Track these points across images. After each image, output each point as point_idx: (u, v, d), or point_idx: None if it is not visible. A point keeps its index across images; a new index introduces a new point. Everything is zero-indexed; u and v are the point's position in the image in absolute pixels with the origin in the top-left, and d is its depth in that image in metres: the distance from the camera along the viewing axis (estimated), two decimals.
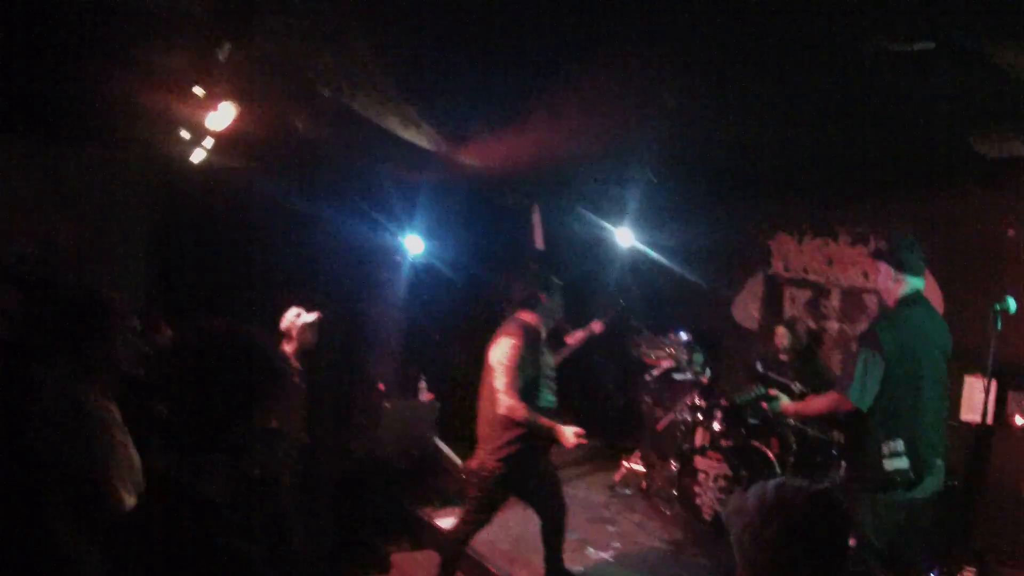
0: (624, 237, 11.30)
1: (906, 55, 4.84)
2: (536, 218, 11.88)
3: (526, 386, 6.75)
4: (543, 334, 7.16)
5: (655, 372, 10.84)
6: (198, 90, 6.39)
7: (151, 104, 7.37)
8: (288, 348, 7.12)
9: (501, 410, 6.64)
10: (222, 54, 5.68)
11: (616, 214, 11.11)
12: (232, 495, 2.93)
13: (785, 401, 6.71)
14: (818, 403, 6.50)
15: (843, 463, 8.21)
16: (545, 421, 6.65)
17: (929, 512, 6.08)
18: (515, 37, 5.46)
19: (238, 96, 6.62)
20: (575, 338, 9.49)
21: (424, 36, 5.58)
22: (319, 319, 7.32)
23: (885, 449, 5.78)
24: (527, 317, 7.08)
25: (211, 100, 6.56)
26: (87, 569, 3.79)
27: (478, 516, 7.07)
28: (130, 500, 3.81)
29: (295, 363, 7.07)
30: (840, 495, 2.61)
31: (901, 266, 6.01)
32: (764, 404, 6.86)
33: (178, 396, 2.93)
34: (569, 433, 6.62)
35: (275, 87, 6.86)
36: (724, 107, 6.78)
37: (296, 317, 7.22)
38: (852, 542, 5.88)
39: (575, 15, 4.97)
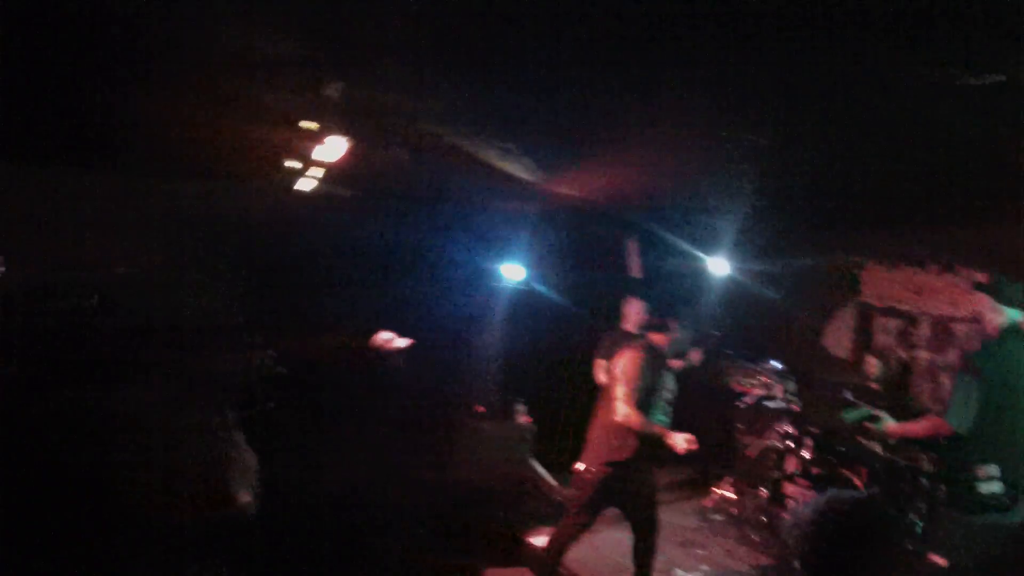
0: (718, 266, 11.47)
1: (990, 87, 4.97)
2: (632, 247, 12.08)
3: (643, 401, 7.26)
4: (666, 357, 7.73)
5: (747, 400, 10.97)
6: (307, 124, 6.75)
7: (258, 138, 7.77)
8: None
9: (617, 418, 7.15)
10: (331, 91, 6.02)
11: (710, 244, 11.28)
12: None
13: (890, 422, 6.88)
14: (920, 426, 6.83)
15: (935, 489, 8.27)
16: (657, 428, 7.11)
17: None
18: (614, 74, 5.69)
19: (345, 130, 6.94)
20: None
21: (526, 75, 5.84)
22: (410, 346, 7.56)
23: (980, 473, 5.90)
24: (656, 339, 7.72)
25: (320, 134, 6.91)
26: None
27: (577, 519, 7.47)
28: (244, 499, 4.14)
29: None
30: (886, 504, 2.85)
31: (1000, 298, 6.16)
32: (869, 424, 6.99)
33: None
34: (680, 439, 7.10)
35: (380, 123, 7.17)
36: (816, 140, 6.92)
37: (386, 343, 7.49)
38: (943, 562, 6.01)
39: (674, 53, 5.18)
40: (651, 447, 7.30)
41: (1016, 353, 6.09)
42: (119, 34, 5.30)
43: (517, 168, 8.42)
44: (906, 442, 9.11)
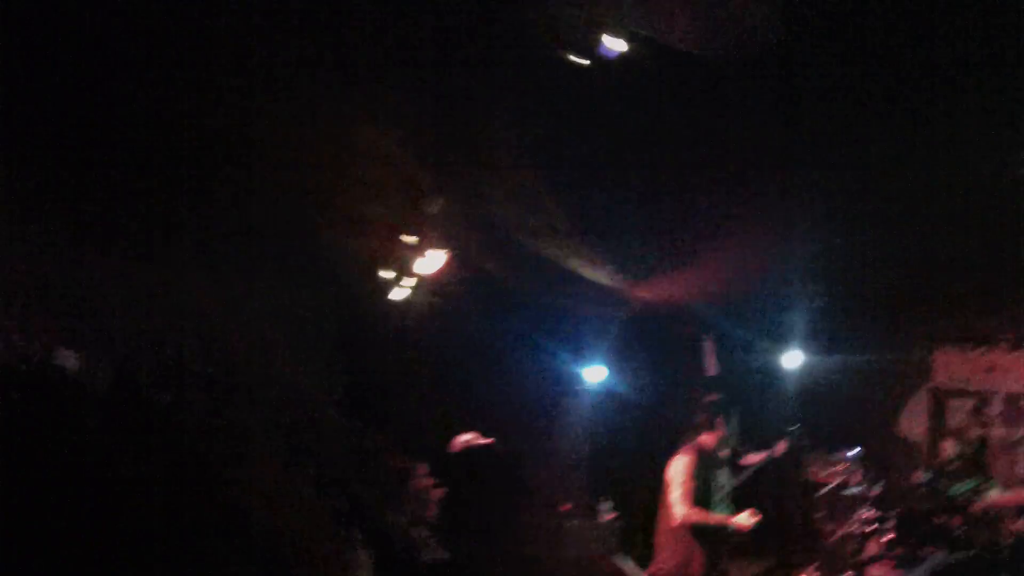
0: (792, 359, 11.76)
1: None
2: (708, 345, 12.41)
3: (700, 502, 7.51)
4: (718, 455, 7.90)
5: (827, 488, 11.18)
6: (408, 238, 7.29)
7: (359, 249, 8.31)
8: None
9: (675, 521, 7.39)
10: (432, 207, 6.55)
11: (784, 337, 11.60)
12: None
13: (996, 492, 7.02)
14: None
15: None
16: (717, 517, 7.34)
17: None
18: (696, 187, 6.18)
19: (442, 243, 7.45)
20: (754, 460, 9.99)
21: (612, 190, 6.34)
22: (490, 444, 7.81)
23: None
24: (704, 439, 7.88)
25: (418, 247, 7.42)
26: None
27: None
28: None
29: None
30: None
31: None
32: (975, 495, 7.05)
33: None
34: (743, 517, 7.37)
35: (474, 236, 7.67)
36: (885, 233, 7.29)
37: (466, 443, 7.73)
38: None
39: (750, 168, 5.65)
40: (717, 538, 7.59)
41: None
42: (228, 145, 5.82)
43: (601, 274, 8.83)
44: (989, 517, 9.34)
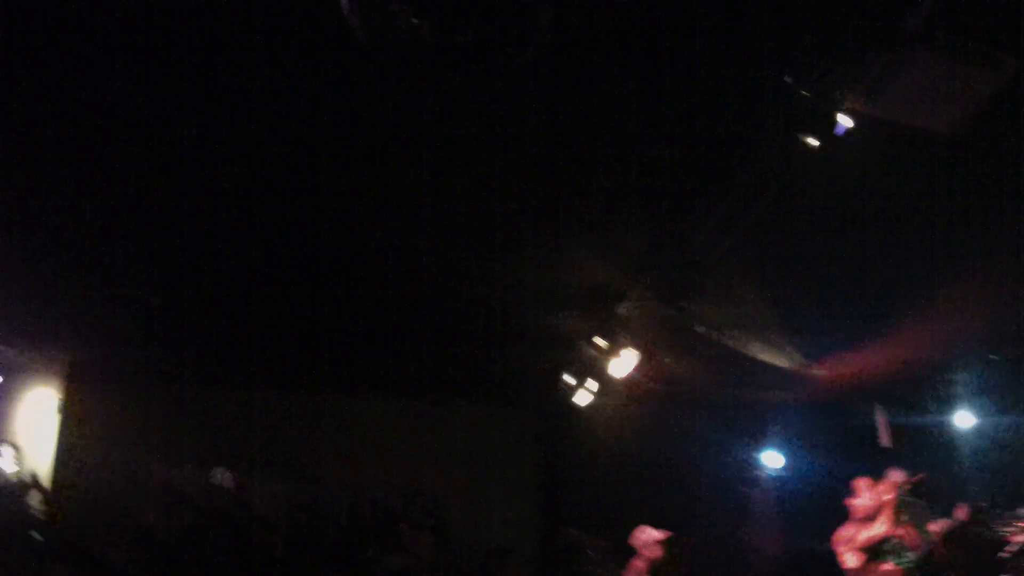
0: (964, 419, 11.54)
1: None
2: (880, 417, 12.24)
3: None
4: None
5: (1011, 548, 10.87)
6: (600, 341, 7.40)
7: (546, 358, 8.45)
8: (637, 563, 7.69)
9: None
10: (620, 309, 6.67)
11: (957, 399, 11.40)
12: None
13: None
14: None
15: None
16: None
17: None
18: (887, 271, 6.21)
19: (631, 344, 7.54)
20: (940, 527, 9.82)
21: (806, 284, 6.40)
22: (669, 537, 7.82)
23: None
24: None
25: (609, 349, 7.53)
26: None
27: None
28: None
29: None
30: None
31: None
32: None
33: None
34: None
35: (662, 336, 7.76)
36: None
37: (642, 533, 7.80)
38: None
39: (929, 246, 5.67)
40: None
41: None
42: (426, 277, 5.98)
43: (779, 358, 8.84)
44: None
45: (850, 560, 7.51)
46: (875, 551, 7.36)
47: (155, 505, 8.60)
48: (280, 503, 9.43)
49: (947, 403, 11.57)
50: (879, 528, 7.20)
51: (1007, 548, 10.77)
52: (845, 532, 7.38)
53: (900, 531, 7.31)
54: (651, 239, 5.49)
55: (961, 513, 9.77)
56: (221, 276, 7.02)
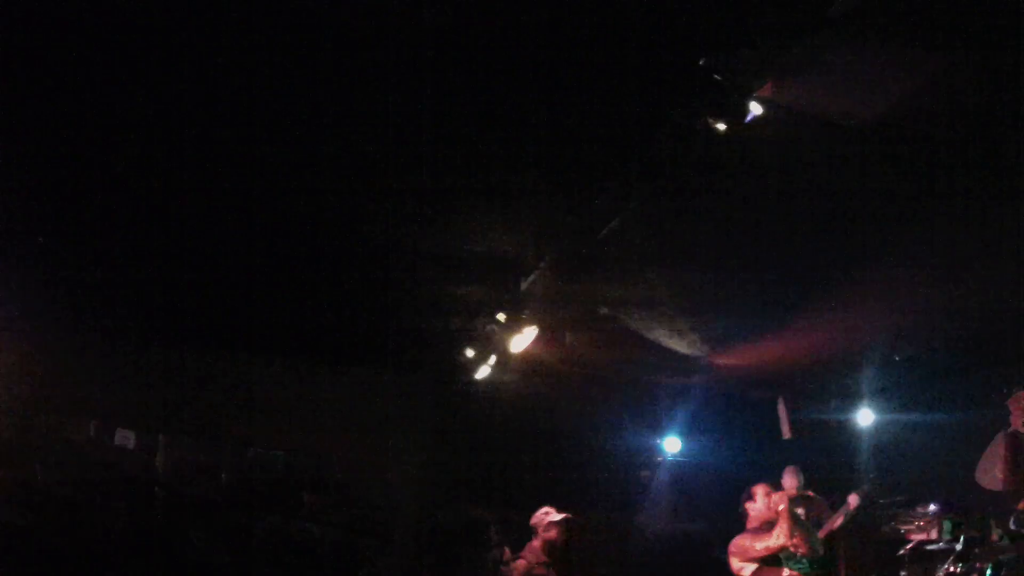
0: (865, 416, 11.61)
1: None
2: (782, 408, 12.28)
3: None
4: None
5: (908, 546, 10.98)
6: (501, 316, 7.24)
7: (444, 330, 8.28)
8: (535, 543, 7.49)
9: None
10: (524, 284, 6.51)
11: (860, 394, 11.47)
12: None
13: None
14: None
15: None
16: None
17: None
18: (790, 258, 6.14)
19: (533, 321, 7.39)
20: (834, 518, 9.91)
21: (711, 267, 6.32)
22: (566, 519, 7.69)
23: None
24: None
25: (510, 325, 7.36)
26: None
27: None
28: None
29: (541, 557, 7.41)
30: None
31: None
32: None
33: None
34: None
35: (564, 313, 7.63)
36: (959, 287, 7.23)
37: (544, 515, 7.66)
38: None
39: (847, 235, 5.61)
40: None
41: None
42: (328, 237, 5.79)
43: (681, 344, 8.77)
44: None
45: (745, 570, 7.47)
46: (769, 560, 7.35)
47: (44, 459, 8.36)
48: (182, 465, 9.22)
49: (849, 399, 11.64)
50: (776, 540, 7.16)
51: (906, 546, 10.88)
52: (740, 542, 7.34)
53: (795, 540, 7.27)
54: (553, 213, 5.33)
55: (853, 500, 9.87)
56: (112, 223, 6.73)
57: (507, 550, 7.28)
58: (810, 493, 8.44)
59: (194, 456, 9.47)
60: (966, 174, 4.66)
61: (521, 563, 7.26)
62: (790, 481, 10.43)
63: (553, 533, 7.60)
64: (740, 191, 4.89)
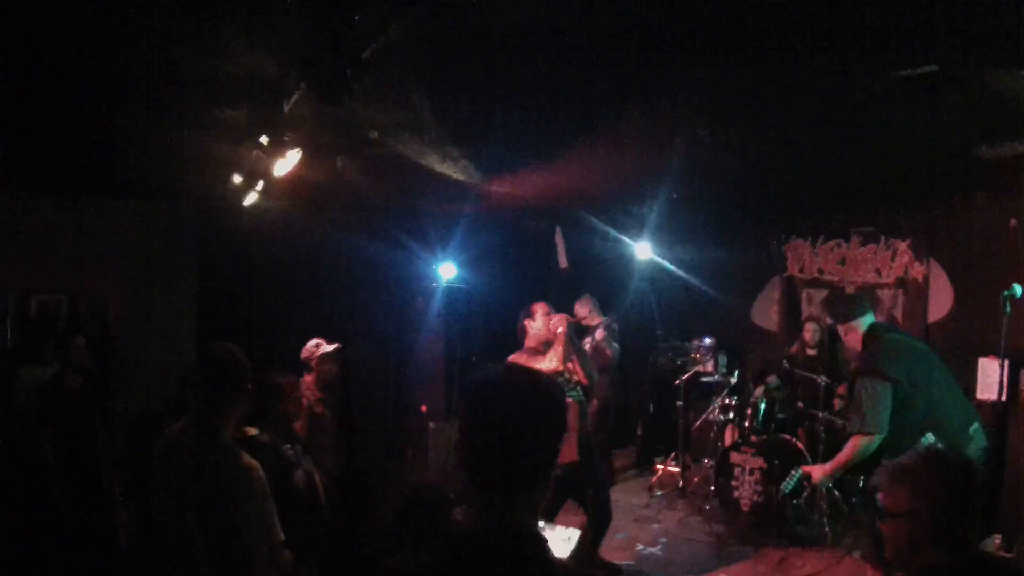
0: (644, 251, 11.83)
1: (913, 85, 5.43)
2: (559, 239, 12.39)
3: None
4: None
5: (683, 377, 11.39)
6: (264, 139, 6.91)
7: (209, 155, 7.90)
8: (308, 378, 7.41)
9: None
10: (287, 106, 6.20)
11: (639, 230, 11.65)
12: None
13: (817, 469, 6.73)
14: (843, 455, 6.41)
15: None
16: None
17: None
18: (558, 89, 6.02)
19: (297, 144, 7.09)
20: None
21: (477, 92, 6.13)
22: (339, 349, 7.55)
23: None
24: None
25: (273, 148, 7.04)
26: None
27: None
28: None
29: (316, 393, 7.36)
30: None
31: (847, 318, 6.51)
32: (806, 483, 6.92)
33: None
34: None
35: (330, 137, 7.34)
36: (744, 135, 7.32)
37: (315, 348, 7.46)
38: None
39: (611, 66, 5.50)
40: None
41: (899, 341, 6.45)
42: (68, 49, 5.35)
43: (455, 170, 8.64)
44: (845, 405, 9.64)
45: None
46: None
47: None
48: None
49: (628, 232, 11.81)
50: (549, 363, 7.14)
51: (682, 376, 11.27)
52: (514, 360, 7.20)
53: (569, 365, 7.30)
54: (313, 31, 5.02)
55: (599, 333, 10.19)
56: None
57: (291, 378, 7.05)
58: (600, 322, 8.48)
59: None
60: (737, 16, 4.55)
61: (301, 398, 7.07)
62: (582, 310, 10.61)
63: (327, 366, 7.46)
64: (507, 14, 4.67)
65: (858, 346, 6.46)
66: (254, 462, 4.47)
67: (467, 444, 2.29)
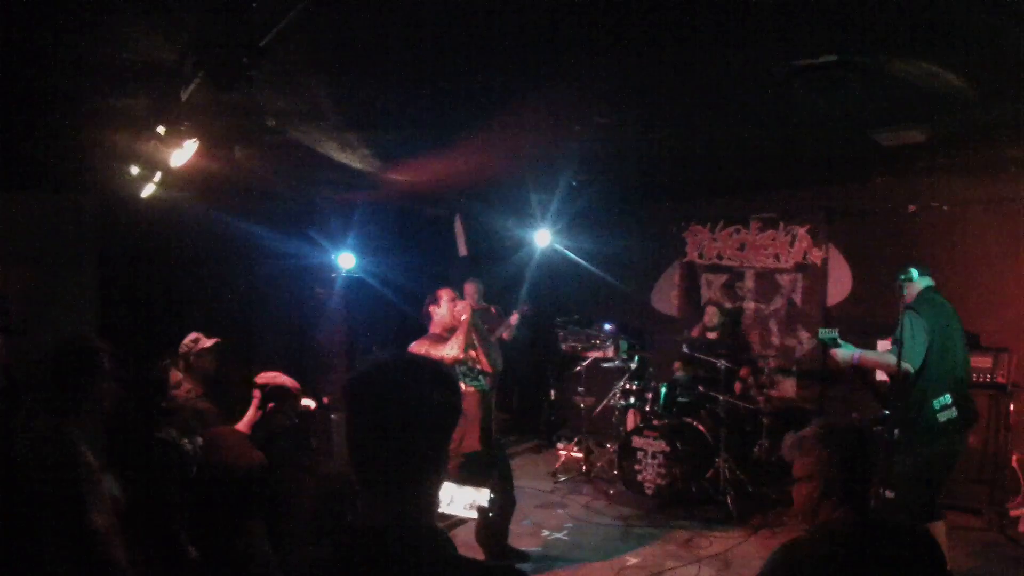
0: (544, 238, 11.89)
1: (812, 70, 5.56)
2: (459, 226, 12.43)
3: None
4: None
5: (584, 363, 11.50)
6: (161, 129, 6.81)
7: (107, 146, 7.77)
8: (177, 374, 7.07)
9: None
10: (184, 95, 6.12)
11: (538, 218, 11.71)
12: None
13: (844, 351, 7.30)
14: (873, 354, 7.67)
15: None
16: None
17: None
18: (454, 76, 6.04)
19: (195, 134, 7.00)
20: (498, 332, 10.24)
21: (374, 79, 6.13)
22: (217, 344, 7.31)
23: (937, 405, 6.70)
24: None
25: (170, 138, 6.94)
26: None
27: None
28: (101, 522, 4.35)
29: (198, 388, 7.02)
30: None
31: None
32: (833, 350, 7.42)
33: None
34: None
35: (228, 125, 7.28)
36: (642, 122, 7.41)
37: (193, 342, 7.21)
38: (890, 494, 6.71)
39: (508, 53, 5.55)
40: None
41: (938, 304, 6.99)
42: None
43: (352, 158, 8.62)
44: (746, 387, 9.88)
45: None
46: None
47: None
48: None
49: (528, 220, 11.89)
50: (450, 350, 7.11)
51: (583, 363, 11.38)
52: (417, 347, 7.24)
53: (472, 354, 7.29)
54: (208, 15, 4.96)
55: (514, 318, 10.29)
56: None
57: (174, 372, 6.94)
58: (492, 309, 8.49)
59: None
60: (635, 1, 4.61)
61: (179, 394, 6.89)
62: (470, 289, 10.64)
63: (203, 361, 7.22)
64: (405, 1, 4.68)
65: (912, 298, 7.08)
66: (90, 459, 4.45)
67: (353, 438, 2.24)
